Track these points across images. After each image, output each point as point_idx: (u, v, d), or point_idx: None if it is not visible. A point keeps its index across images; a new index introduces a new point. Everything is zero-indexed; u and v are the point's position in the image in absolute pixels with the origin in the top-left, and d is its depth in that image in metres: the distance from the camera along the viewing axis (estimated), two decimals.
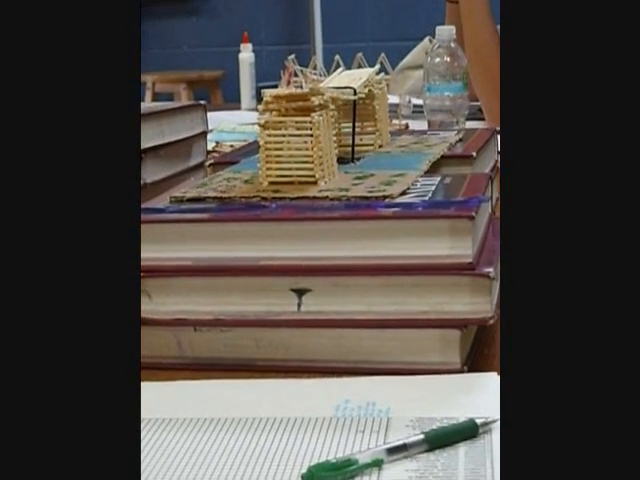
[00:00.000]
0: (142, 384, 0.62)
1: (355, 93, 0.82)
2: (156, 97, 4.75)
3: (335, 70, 1.95)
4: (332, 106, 0.75)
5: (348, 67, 1.86)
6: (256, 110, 2.16)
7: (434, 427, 0.54)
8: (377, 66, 0.95)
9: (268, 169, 0.73)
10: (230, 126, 1.76)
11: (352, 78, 0.87)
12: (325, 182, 0.72)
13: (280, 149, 0.73)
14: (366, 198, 0.67)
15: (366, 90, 0.85)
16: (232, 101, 3.32)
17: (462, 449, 0.52)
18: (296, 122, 0.72)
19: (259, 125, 0.73)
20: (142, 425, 0.57)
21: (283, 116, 0.73)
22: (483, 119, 1.73)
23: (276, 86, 2.19)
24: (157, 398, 0.61)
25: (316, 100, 0.72)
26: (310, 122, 0.72)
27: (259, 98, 2.43)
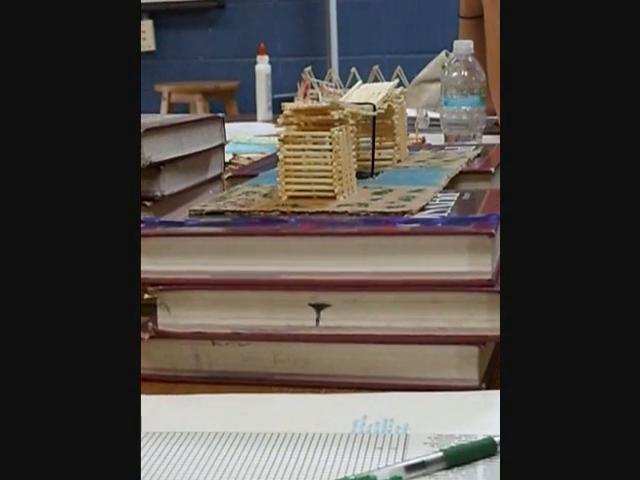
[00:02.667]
0: (160, 397, 0.63)
1: (374, 109, 0.82)
2: (172, 107, 4.76)
3: (351, 82, 1.95)
4: (352, 121, 0.75)
5: (364, 79, 1.86)
6: (272, 122, 2.16)
7: (453, 444, 0.54)
8: (396, 80, 0.96)
9: (287, 183, 0.73)
10: (246, 137, 1.76)
11: (371, 92, 0.87)
12: (344, 197, 0.72)
13: (299, 163, 0.73)
14: (385, 214, 0.67)
15: (385, 105, 0.85)
16: (247, 112, 3.33)
17: (481, 467, 0.52)
18: (315, 137, 0.72)
19: (278, 139, 0.73)
20: (159, 439, 0.58)
21: (302, 130, 0.73)
22: (499, 133, 1.72)
23: (292, 98, 2.19)
24: (174, 412, 0.61)
25: (336, 114, 0.72)
26: (330, 137, 0.72)
27: (275, 109, 2.43)
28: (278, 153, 0.73)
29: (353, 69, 2.10)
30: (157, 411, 0.61)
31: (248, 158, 1.37)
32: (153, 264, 0.66)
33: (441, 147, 1.05)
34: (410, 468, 0.51)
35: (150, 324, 0.67)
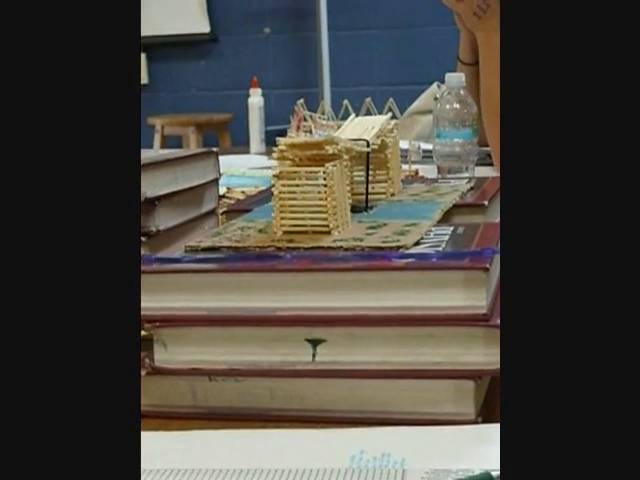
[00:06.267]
0: (156, 433, 0.63)
1: (368, 145, 0.82)
2: (165, 140, 4.77)
3: (344, 114, 1.96)
4: (346, 156, 0.76)
5: (356, 111, 1.87)
6: (265, 154, 2.16)
7: (450, 479, 0.54)
8: (389, 114, 0.96)
9: (282, 219, 0.73)
10: (240, 170, 1.77)
11: (364, 127, 0.87)
12: (339, 232, 0.73)
13: (294, 199, 0.73)
14: (380, 248, 0.68)
15: (379, 141, 0.86)
16: (240, 144, 3.34)
17: None
18: (310, 172, 0.73)
19: (273, 175, 0.73)
20: (157, 476, 0.58)
21: (297, 165, 0.74)
22: (492, 164, 1.74)
23: (285, 130, 2.20)
24: (171, 448, 0.61)
25: (330, 149, 0.73)
26: (324, 172, 0.72)
27: (268, 141, 2.43)
28: (273, 189, 0.73)
29: (345, 101, 2.11)
30: (153, 447, 0.61)
31: (242, 192, 1.38)
32: (150, 300, 0.66)
33: (434, 180, 1.06)
34: None
35: (147, 360, 0.67)
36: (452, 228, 0.75)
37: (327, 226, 0.72)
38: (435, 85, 2.28)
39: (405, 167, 1.47)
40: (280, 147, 0.74)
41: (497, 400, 0.66)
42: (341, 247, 0.68)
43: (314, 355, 0.65)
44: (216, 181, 1.01)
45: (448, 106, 1.50)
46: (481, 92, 1.69)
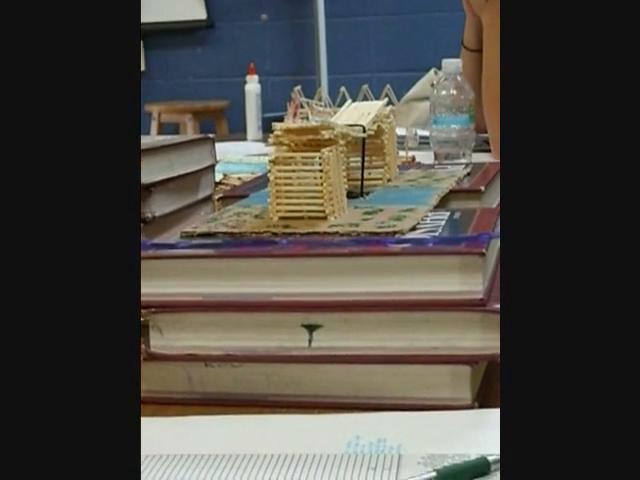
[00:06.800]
0: (152, 419, 0.63)
1: (364, 131, 0.82)
2: (162, 127, 4.77)
3: (341, 101, 1.95)
4: (342, 141, 0.76)
5: (353, 98, 1.87)
6: (262, 141, 2.15)
7: (446, 464, 0.54)
8: (385, 99, 0.96)
9: (278, 204, 0.73)
10: (237, 157, 1.77)
11: (361, 113, 0.87)
12: (335, 217, 0.73)
13: (290, 184, 0.73)
14: (376, 234, 0.67)
15: (375, 126, 0.86)
16: (237, 131, 3.33)
17: None
18: (306, 157, 0.73)
19: (269, 161, 0.73)
20: (152, 461, 0.58)
21: (293, 150, 0.73)
22: (489, 151, 1.73)
23: (282, 117, 2.20)
24: (167, 433, 0.61)
25: (326, 134, 0.73)
26: (320, 157, 0.72)
27: (265, 128, 2.42)
28: (269, 174, 0.73)
29: (342, 88, 2.10)
30: (149, 433, 0.61)
31: (239, 178, 1.38)
32: (145, 286, 0.65)
33: (431, 166, 1.06)
34: None
35: (143, 346, 0.67)
36: (448, 213, 0.75)
37: (323, 211, 0.72)
38: (432, 71, 2.28)
39: (402, 153, 1.47)
40: (276, 132, 0.74)
41: (494, 385, 0.66)
42: (337, 232, 0.68)
43: (310, 340, 0.65)
44: (212, 167, 1.01)
45: (445, 92, 1.50)
46: (483, 78, 1.68)
